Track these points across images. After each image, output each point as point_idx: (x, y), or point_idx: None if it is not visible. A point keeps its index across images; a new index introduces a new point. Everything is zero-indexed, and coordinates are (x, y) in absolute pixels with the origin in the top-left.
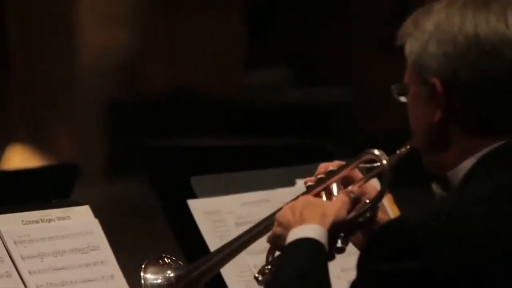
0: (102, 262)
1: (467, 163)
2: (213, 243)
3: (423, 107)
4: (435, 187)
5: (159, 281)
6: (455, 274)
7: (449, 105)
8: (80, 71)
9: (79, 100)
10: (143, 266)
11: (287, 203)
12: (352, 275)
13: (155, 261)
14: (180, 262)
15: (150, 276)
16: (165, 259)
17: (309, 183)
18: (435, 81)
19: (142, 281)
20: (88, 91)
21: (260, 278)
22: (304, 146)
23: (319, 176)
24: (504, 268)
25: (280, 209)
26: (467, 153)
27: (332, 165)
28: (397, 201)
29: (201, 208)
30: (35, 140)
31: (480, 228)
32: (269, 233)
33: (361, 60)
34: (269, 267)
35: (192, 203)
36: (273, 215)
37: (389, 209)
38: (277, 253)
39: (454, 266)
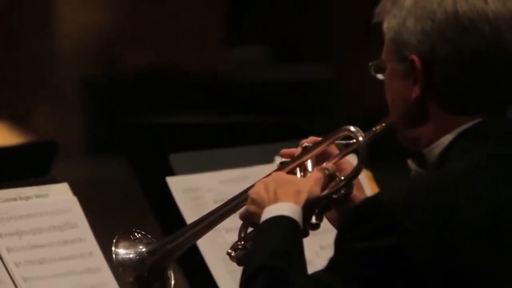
0: (80, 239)
1: (444, 140)
2: (192, 220)
3: (401, 83)
4: (410, 163)
5: (131, 255)
6: (431, 252)
7: (428, 82)
8: (59, 49)
9: (58, 78)
10: (114, 241)
11: (260, 180)
12: (330, 252)
13: (126, 236)
14: (150, 237)
15: (121, 251)
16: (136, 234)
17: (283, 160)
18: (414, 57)
19: (114, 256)
20: (66, 69)
21: (233, 254)
22: (283, 124)
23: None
24: (481, 246)
25: (253, 185)
26: (445, 130)
27: (307, 141)
28: (376, 179)
29: (180, 186)
30: (13, 118)
31: (457, 206)
32: (241, 210)
33: (341, 38)
34: (242, 243)
35: (171, 181)
36: (246, 191)
37: (369, 186)
38: (250, 229)
39: (431, 244)
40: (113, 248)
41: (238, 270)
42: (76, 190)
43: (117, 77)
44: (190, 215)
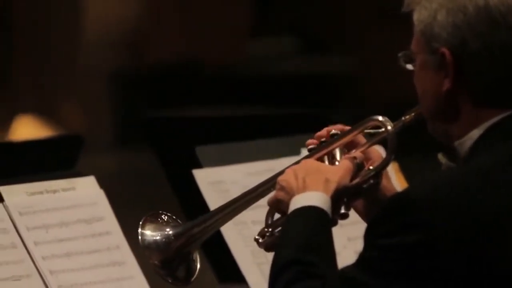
0: (107, 232)
1: (474, 134)
2: None
3: (431, 75)
4: (441, 157)
5: (157, 238)
6: (460, 249)
7: (458, 75)
8: (86, 42)
9: (84, 71)
10: (140, 222)
11: (289, 166)
12: (358, 244)
13: (153, 218)
14: (178, 220)
15: (148, 232)
16: (163, 216)
17: (311, 146)
18: (444, 50)
19: (139, 237)
20: (93, 62)
21: (260, 240)
22: (309, 116)
23: (322, 139)
24: (510, 244)
25: (282, 172)
26: (475, 123)
27: (335, 129)
28: (402, 170)
29: (206, 178)
30: (41, 111)
31: (486, 202)
32: (270, 196)
33: (368, 30)
34: (270, 229)
35: (197, 173)
36: (275, 177)
37: (395, 177)
38: (277, 215)
39: (460, 240)
40: (139, 230)
41: (265, 262)
42: (102, 183)
43: (144, 70)
44: (216, 207)
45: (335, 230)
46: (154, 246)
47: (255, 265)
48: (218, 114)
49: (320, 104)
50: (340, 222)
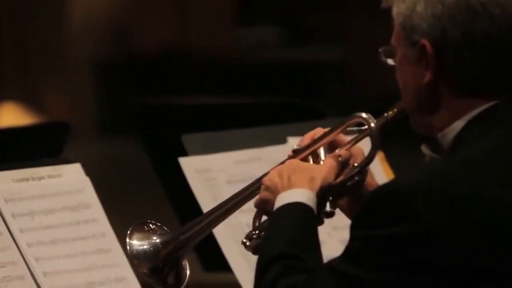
0: (93, 220)
1: (457, 125)
2: (204, 201)
3: (412, 68)
4: (424, 149)
5: (145, 247)
6: (448, 239)
7: (439, 66)
8: (72, 30)
9: (71, 59)
10: (128, 232)
11: (274, 168)
12: (343, 233)
13: (140, 227)
14: (165, 228)
15: (136, 242)
16: (150, 225)
17: (296, 147)
18: (425, 42)
19: (128, 247)
20: (80, 49)
21: (248, 243)
22: (295, 104)
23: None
24: (498, 233)
25: (267, 173)
26: (457, 115)
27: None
28: (388, 160)
29: (192, 166)
30: (27, 98)
31: (472, 192)
32: (255, 198)
33: (353, 19)
34: (257, 232)
35: (184, 161)
36: (260, 179)
37: (380, 167)
38: (264, 218)
39: (448, 231)
40: (127, 240)
41: (252, 254)
42: (88, 171)
43: (130, 58)
44: (202, 196)
45: None
46: (143, 255)
47: (240, 254)
48: (204, 102)
49: (306, 92)
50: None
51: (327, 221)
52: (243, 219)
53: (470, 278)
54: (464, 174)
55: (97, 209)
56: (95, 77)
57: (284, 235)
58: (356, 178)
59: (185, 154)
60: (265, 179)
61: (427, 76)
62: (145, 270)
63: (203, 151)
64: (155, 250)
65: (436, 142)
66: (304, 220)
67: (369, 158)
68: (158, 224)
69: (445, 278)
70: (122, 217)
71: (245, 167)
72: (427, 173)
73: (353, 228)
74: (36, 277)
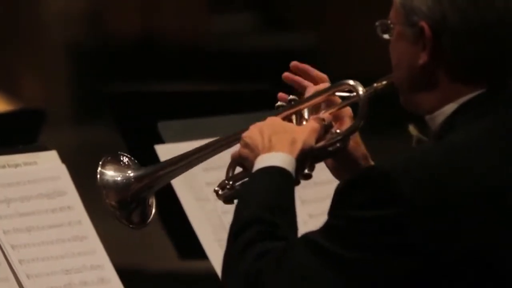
0: (69, 207)
1: (448, 109)
2: (181, 188)
3: (408, 47)
4: (412, 129)
5: (118, 178)
6: (431, 222)
7: (436, 49)
8: (46, 16)
9: (45, 46)
10: (100, 162)
11: (255, 124)
12: (320, 221)
13: (114, 159)
14: (138, 163)
15: (108, 172)
16: (124, 158)
17: (280, 103)
18: (424, 24)
19: (98, 176)
20: (54, 36)
21: (220, 192)
22: (270, 92)
23: (292, 97)
24: (482, 216)
25: (247, 128)
26: (449, 98)
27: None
28: (373, 145)
29: (168, 154)
30: (1, 85)
31: (457, 176)
32: (234, 151)
33: (327, 6)
34: (230, 182)
35: (160, 149)
36: (240, 133)
37: None
38: (238, 168)
39: (431, 214)
40: (99, 169)
41: (225, 239)
42: (64, 158)
43: (106, 44)
44: (179, 183)
45: (296, 207)
46: (114, 186)
47: (216, 242)
48: (180, 90)
49: (281, 80)
50: (301, 198)
51: (303, 208)
52: (219, 206)
53: (453, 260)
54: (451, 159)
55: (73, 197)
56: (70, 64)
57: (260, 201)
58: (338, 145)
59: (161, 141)
60: (245, 135)
61: (423, 58)
62: (113, 202)
63: (180, 138)
64: (126, 183)
65: (424, 123)
66: (282, 186)
67: (354, 127)
68: (133, 158)
69: (428, 261)
70: (98, 204)
71: (221, 154)
72: (414, 157)
73: (335, 204)
74: (12, 265)
